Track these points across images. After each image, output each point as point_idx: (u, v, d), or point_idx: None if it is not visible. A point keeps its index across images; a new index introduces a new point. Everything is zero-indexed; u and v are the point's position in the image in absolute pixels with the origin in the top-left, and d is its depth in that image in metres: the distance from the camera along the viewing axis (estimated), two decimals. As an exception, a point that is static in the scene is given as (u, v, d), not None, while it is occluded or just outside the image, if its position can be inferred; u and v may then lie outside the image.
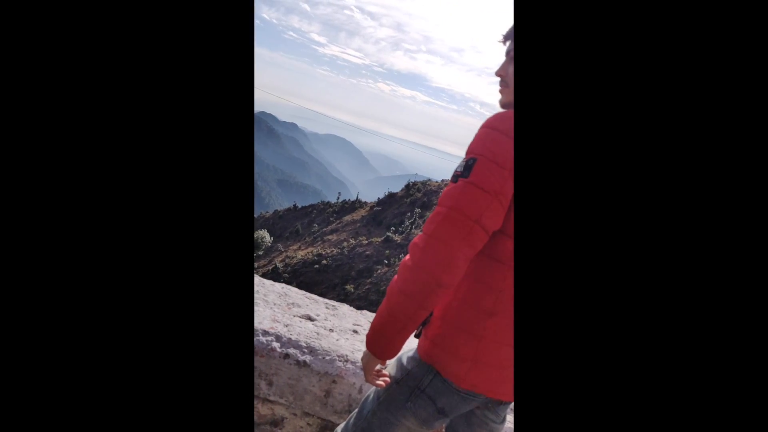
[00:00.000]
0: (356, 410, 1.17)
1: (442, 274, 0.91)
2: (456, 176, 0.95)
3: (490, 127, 0.95)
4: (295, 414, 1.57)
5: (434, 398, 1.04)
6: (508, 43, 1.06)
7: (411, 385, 1.05)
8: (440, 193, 1.03)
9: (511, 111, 0.97)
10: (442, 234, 0.92)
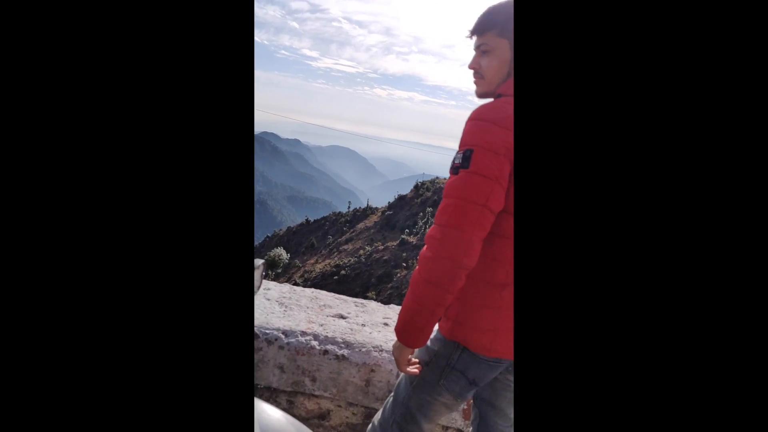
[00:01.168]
0: (390, 399, 1.25)
1: (463, 258, 0.99)
2: (456, 168, 1.03)
3: (478, 119, 1.02)
4: (339, 405, 1.68)
5: (465, 371, 1.12)
6: (474, 38, 1.14)
7: (441, 364, 1.13)
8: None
9: (494, 101, 1.05)
10: (457, 222, 1.00)
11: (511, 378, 1.23)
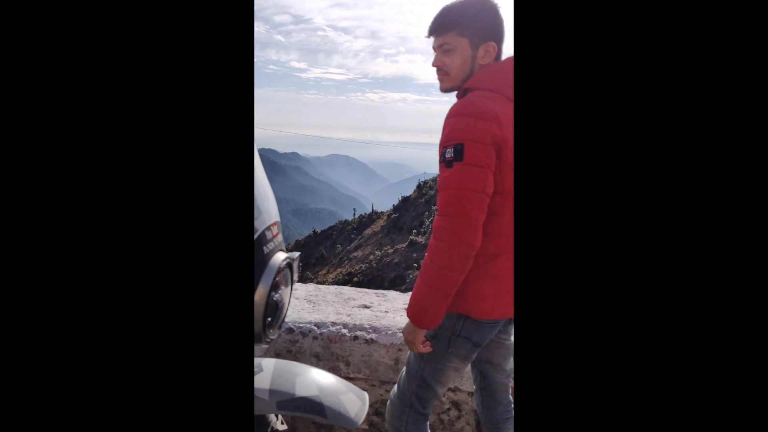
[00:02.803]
0: (402, 375, 1.39)
1: (473, 241, 1.12)
2: (450, 162, 1.14)
3: (460, 115, 1.14)
4: (373, 385, 1.85)
5: (469, 337, 1.26)
6: (433, 39, 1.25)
7: (446, 335, 1.27)
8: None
9: (469, 98, 1.17)
10: (463, 210, 1.12)
11: (504, 336, 1.39)
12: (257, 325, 0.89)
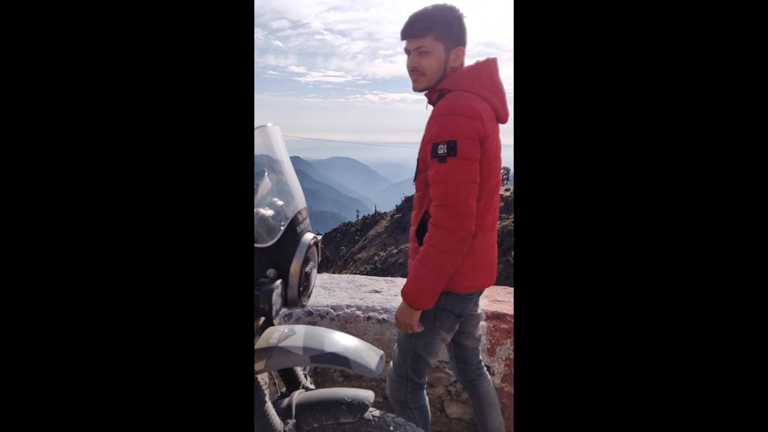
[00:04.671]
0: (396, 354, 1.56)
1: (471, 226, 1.29)
2: (443, 157, 1.27)
3: (450, 114, 1.28)
4: (387, 361, 2.03)
5: (452, 309, 1.42)
6: (406, 42, 1.37)
7: (433, 311, 1.42)
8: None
9: (452, 98, 1.30)
10: (462, 200, 1.27)
11: (474, 309, 1.58)
12: (293, 291, 1.08)
